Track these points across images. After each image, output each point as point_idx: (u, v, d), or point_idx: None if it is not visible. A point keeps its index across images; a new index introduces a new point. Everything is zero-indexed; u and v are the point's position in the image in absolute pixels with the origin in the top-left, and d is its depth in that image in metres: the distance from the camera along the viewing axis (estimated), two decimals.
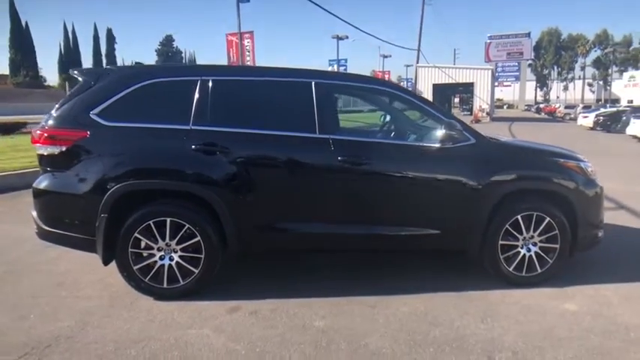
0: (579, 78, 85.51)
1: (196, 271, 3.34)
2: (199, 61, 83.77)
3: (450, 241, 3.60)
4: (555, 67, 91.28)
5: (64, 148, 3.26)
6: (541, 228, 3.57)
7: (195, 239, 3.30)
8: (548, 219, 3.55)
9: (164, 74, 3.51)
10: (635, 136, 17.91)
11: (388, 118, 4.67)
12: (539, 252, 3.61)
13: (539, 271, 3.61)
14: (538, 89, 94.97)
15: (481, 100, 42.31)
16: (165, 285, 3.34)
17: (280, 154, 3.39)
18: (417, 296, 3.45)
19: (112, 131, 3.28)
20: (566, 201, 3.59)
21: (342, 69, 47.21)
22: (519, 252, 3.60)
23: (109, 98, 3.32)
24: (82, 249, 3.43)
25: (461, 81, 44.11)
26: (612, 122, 22.72)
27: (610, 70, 71.13)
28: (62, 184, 3.30)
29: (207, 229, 3.29)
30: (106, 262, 3.34)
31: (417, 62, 48.55)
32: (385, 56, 67.01)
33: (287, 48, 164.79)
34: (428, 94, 41.11)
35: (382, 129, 4.20)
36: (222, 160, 3.29)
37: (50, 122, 3.33)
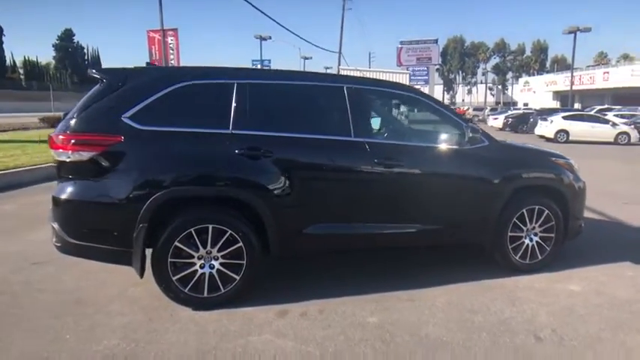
0: (481, 82, 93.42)
1: (237, 277, 3.29)
2: (104, 58, 77.97)
3: (468, 235, 3.92)
4: (460, 72, 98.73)
5: (94, 154, 3.03)
6: (541, 220, 4.02)
7: (237, 245, 3.24)
8: (547, 211, 4.01)
9: (199, 76, 3.39)
10: (542, 136, 20.17)
11: (379, 122, 4.89)
12: (540, 241, 4.06)
13: (540, 258, 4.06)
14: (445, 92, 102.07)
15: None
16: (205, 294, 3.24)
17: (322, 157, 3.45)
18: (444, 288, 3.70)
19: (147, 136, 3.12)
20: (560, 195, 4.08)
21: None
22: (524, 242, 4.02)
23: (141, 101, 3.15)
24: (115, 262, 3.22)
25: None
26: (520, 123, 25.34)
27: (507, 76, 78.84)
28: (93, 193, 3.07)
29: (250, 235, 3.26)
30: (142, 275, 3.17)
31: (339, 65, 49.98)
32: (306, 58, 68.16)
33: (210, 46, 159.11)
34: None
35: (407, 132, 4.41)
36: (266, 165, 3.28)
37: (76, 126, 3.07)
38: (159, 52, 27.94)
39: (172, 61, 28.64)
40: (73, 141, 3.03)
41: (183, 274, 3.19)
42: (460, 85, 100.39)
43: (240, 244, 3.24)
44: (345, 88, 3.58)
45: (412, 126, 5.75)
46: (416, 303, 3.44)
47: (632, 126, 19.64)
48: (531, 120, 23.08)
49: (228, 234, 3.21)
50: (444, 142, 3.71)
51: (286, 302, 3.39)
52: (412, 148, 3.78)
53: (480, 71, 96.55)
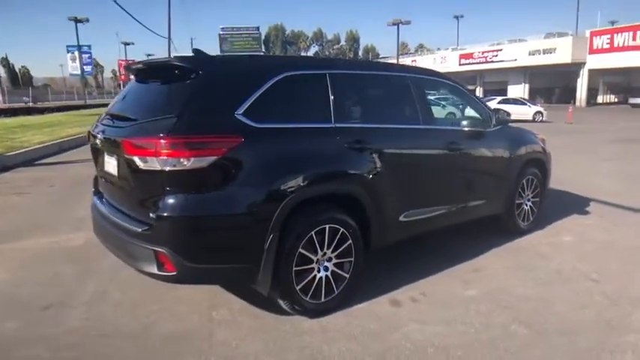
0: None
1: (347, 275, 3.20)
2: None
3: (494, 207, 4.47)
4: None
5: (212, 160, 2.55)
6: (532, 187, 4.85)
7: (347, 243, 3.15)
8: (535, 180, 4.86)
9: (296, 67, 3.08)
10: None
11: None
12: (532, 205, 4.90)
13: (531, 219, 4.91)
14: None
15: None
16: (322, 299, 3.07)
17: (408, 145, 3.56)
18: (489, 255, 4.17)
19: (265, 134, 2.75)
20: (543, 165, 4.98)
21: (85, 57, 41.50)
22: (524, 208, 4.80)
23: (250, 95, 2.75)
24: (241, 281, 2.80)
25: None
26: None
27: None
28: (216, 205, 2.60)
29: (357, 231, 3.19)
30: (268, 292, 2.82)
31: (169, 51, 46.92)
32: (127, 44, 62.53)
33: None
34: None
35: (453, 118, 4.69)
36: (369, 157, 3.22)
37: (185, 127, 2.52)
38: None
39: None
40: (188, 145, 2.48)
41: (305, 282, 2.96)
42: None
43: (350, 240, 3.15)
44: (409, 78, 3.70)
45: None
46: (482, 272, 3.83)
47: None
48: None
49: (340, 232, 3.09)
50: (481, 126, 4.16)
51: (385, 292, 3.39)
52: (464, 133, 4.08)
53: None
